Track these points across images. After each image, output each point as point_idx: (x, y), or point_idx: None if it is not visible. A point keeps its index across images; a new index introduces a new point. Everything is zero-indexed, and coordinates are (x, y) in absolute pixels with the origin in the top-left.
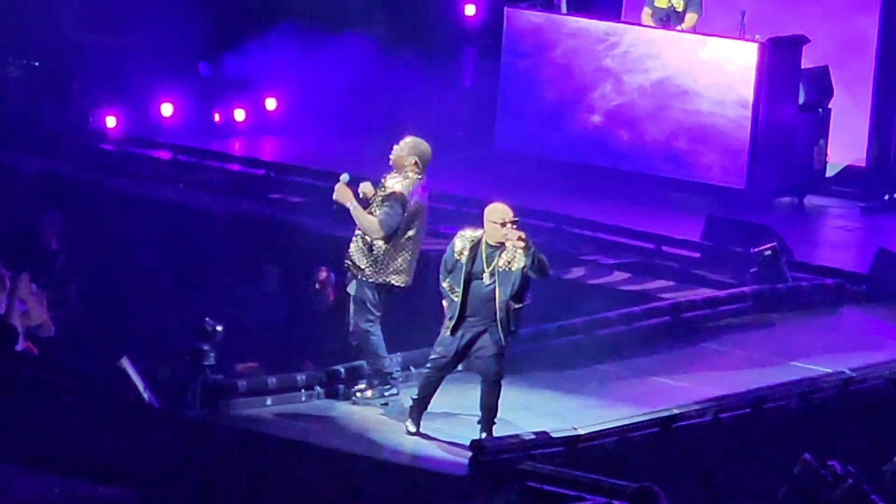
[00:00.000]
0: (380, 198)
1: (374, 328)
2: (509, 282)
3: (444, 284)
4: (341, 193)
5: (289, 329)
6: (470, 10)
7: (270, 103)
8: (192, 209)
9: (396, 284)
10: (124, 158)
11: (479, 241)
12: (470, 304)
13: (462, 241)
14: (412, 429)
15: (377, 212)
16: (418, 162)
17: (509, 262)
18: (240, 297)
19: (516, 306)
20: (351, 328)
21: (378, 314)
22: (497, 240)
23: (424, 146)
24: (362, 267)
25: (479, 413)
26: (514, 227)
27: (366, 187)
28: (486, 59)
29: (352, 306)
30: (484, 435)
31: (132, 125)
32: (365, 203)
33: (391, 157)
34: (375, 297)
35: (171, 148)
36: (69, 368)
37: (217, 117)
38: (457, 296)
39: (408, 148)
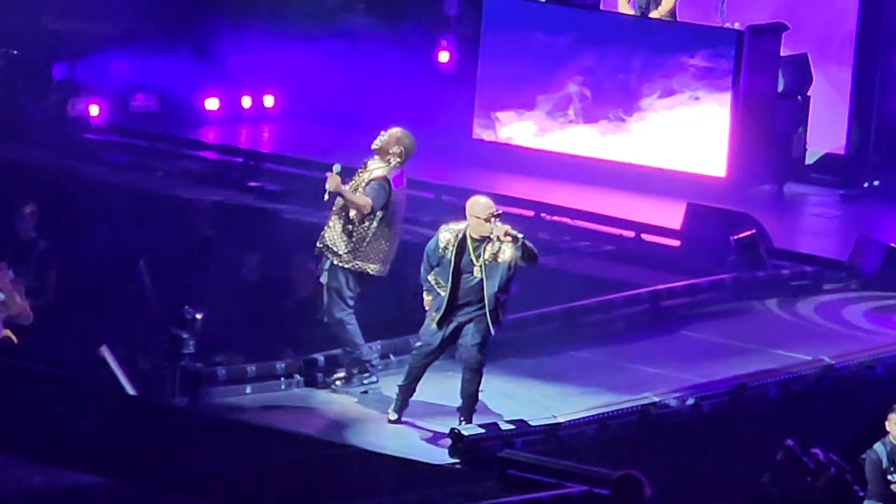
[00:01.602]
0: (364, 181)
1: (348, 317)
2: (497, 274)
3: (430, 278)
4: (332, 183)
5: (268, 317)
6: None
7: (248, 95)
8: (171, 197)
9: (371, 273)
10: (103, 147)
11: (464, 234)
12: (458, 297)
13: (446, 234)
14: (393, 416)
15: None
16: (402, 152)
17: (495, 254)
18: (219, 285)
19: (504, 296)
20: (325, 318)
21: (352, 302)
22: (481, 233)
23: (410, 139)
24: (340, 252)
25: (460, 401)
26: (499, 220)
27: (331, 183)
28: (465, 46)
29: (325, 296)
30: (464, 423)
31: (111, 114)
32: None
33: (375, 143)
34: (350, 283)
35: (150, 136)
36: (48, 357)
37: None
38: (444, 290)
39: (394, 138)
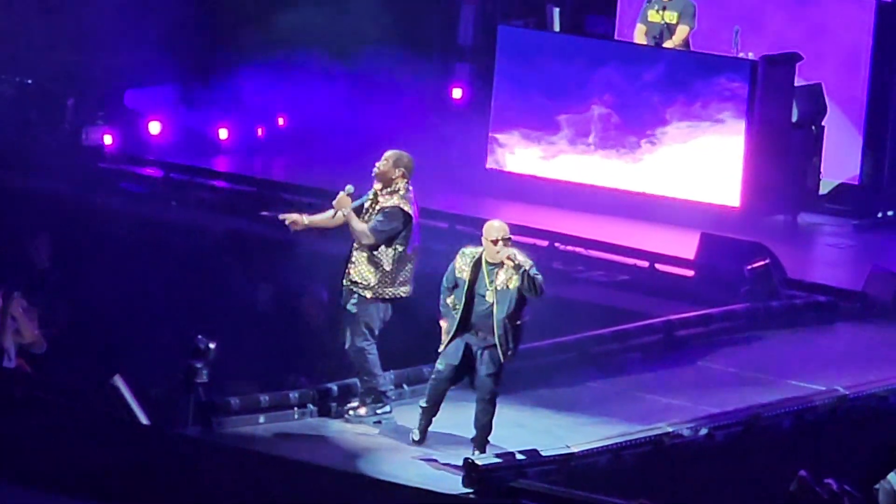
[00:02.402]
0: (376, 211)
1: (370, 346)
2: (506, 299)
3: (448, 301)
4: (341, 201)
5: (282, 346)
6: (463, 28)
7: (263, 123)
8: (185, 226)
9: (404, 296)
10: (116, 176)
11: (480, 258)
12: (470, 321)
13: (462, 258)
14: (417, 437)
15: (371, 221)
16: (405, 173)
17: (507, 280)
18: (232, 314)
19: (517, 323)
20: (346, 346)
21: (376, 332)
22: (493, 258)
23: (407, 157)
24: (371, 284)
25: (473, 431)
26: (507, 244)
27: (340, 202)
28: (479, 76)
29: (348, 325)
30: (477, 453)
31: (125, 143)
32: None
33: (375, 171)
34: (381, 313)
35: (164, 166)
36: (61, 386)
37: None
38: (457, 311)
39: (392, 161)
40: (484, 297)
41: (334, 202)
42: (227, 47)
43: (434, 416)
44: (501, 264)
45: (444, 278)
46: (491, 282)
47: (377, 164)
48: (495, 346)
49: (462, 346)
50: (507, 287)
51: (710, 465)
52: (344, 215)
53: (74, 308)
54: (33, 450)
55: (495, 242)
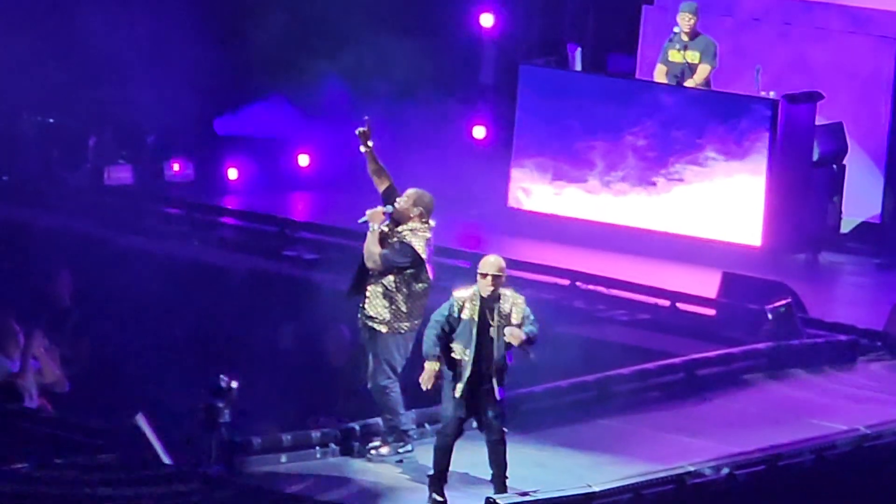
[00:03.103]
0: (394, 241)
1: (392, 384)
2: (502, 335)
3: (454, 346)
4: (375, 216)
5: (304, 386)
6: (485, 66)
7: (284, 159)
8: (207, 265)
9: (416, 329)
10: (138, 216)
11: (475, 294)
12: (481, 361)
13: (460, 297)
14: (439, 499)
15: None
16: (422, 212)
17: (507, 316)
18: (254, 353)
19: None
20: (369, 385)
21: (400, 370)
22: (484, 292)
23: (428, 197)
24: (386, 319)
25: (490, 471)
26: (498, 281)
27: (374, 215)
28: (501, 115)
29: (370, 363)
30: (497, 492)
31: (147, 182)
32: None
33: (395, 208)
34: (401, 349)
35: (186, 205)
36: (83, 426)
37: (231, 174)
38: (466, 355)
39: (412, 200)
40: (488, 333)
41: (368, 213)
42: (248, 85)
43: (447, 480)
44: (498, 297)
45: (437, 321)
46: (492, 318)
47: (397, 200)
48: (493, 383)
49: (465, 397)
50: (509, 322)
51: None
52: (371, 229)
53: (96, 347)
54: (56, 490)
55: (484, 276)
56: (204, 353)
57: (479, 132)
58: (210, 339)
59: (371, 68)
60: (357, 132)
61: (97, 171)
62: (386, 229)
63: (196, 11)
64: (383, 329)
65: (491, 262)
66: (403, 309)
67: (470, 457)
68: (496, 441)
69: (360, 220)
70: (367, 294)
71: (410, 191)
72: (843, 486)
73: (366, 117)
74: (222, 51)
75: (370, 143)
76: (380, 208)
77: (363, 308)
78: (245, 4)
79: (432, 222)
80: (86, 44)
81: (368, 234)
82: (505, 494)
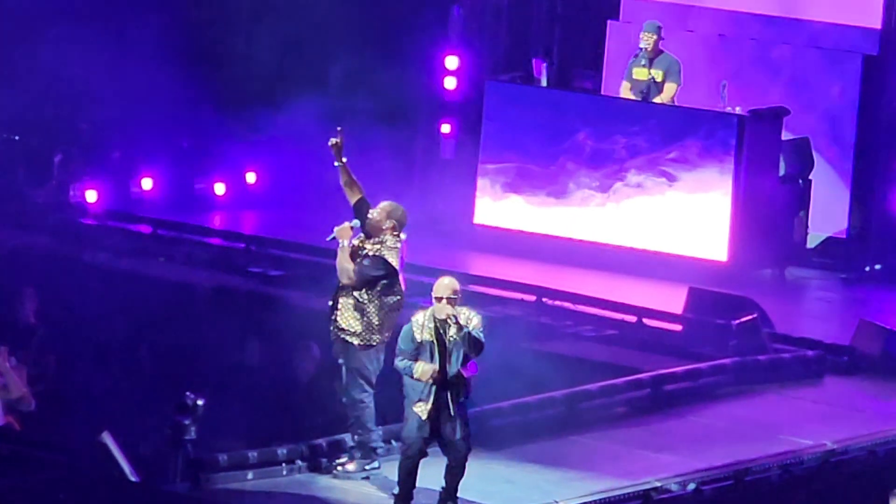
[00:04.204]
0: (362, 256)
1: (368, 398)
2: (460, 352)
3: (419, 368)
4: (343, 231)
5: (270, 402)
6: (450, 82)
7: (251, 177)
8: (173, 282)
9: (387, 342)
10: (104, 233)
11: (426, 314)
12: (445, 381)
13: (418, 321)
14: None
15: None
16: (395, 225)
17: (456, 334)
18: (221, 370)
19: (462, 374)
20: (343, 399)
21: (374, 381)
22: (439, 314)
23: (400, 210)
24: (358, 331)
25: (444, 487)
26: (452, 303)
27: (342, 231)
28: (467, 131)
29: (345, 377)
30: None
31: (112, 199)
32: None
33: (368, 220)
34: (373, 361)
35: (152, 222)
36: (50, 443)
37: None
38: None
39: (385, 212)
40: (447, 354)
41: (336, 229)
42: (212, 100)
43: (412, 499)
44: (454, 317)
45: (399, 346)
46: (448, 337)
47: (371, 212)
48: (453, 403)
49: (430, 418)
50: (456, 339)
51: None
52: (340, 246)
53: (61, 365)
54: None
55: (439, 300)
56: (170, 370)
57: (445, 148)
58: (176, 356)
59: (334, 84)
60: (330, 143)
61: (63, 188)
62: (358, 242)
63: (162, 31)
64: (355, 341)
65: (445, 285)
66: (375, 321)
67: (438, 473)
68: (462, 460)
69: (328, 238)
70: (339, 306)
71: (384, 203)
72: (810, 502)
73: (339, 128)
74: (189, 69)
75: (344, 160)
76: (347, 224)
77: (335, 321)
78: (210, 26)
79: (403, 235)
80: (52, 61)
81: (339, 250)
82: None
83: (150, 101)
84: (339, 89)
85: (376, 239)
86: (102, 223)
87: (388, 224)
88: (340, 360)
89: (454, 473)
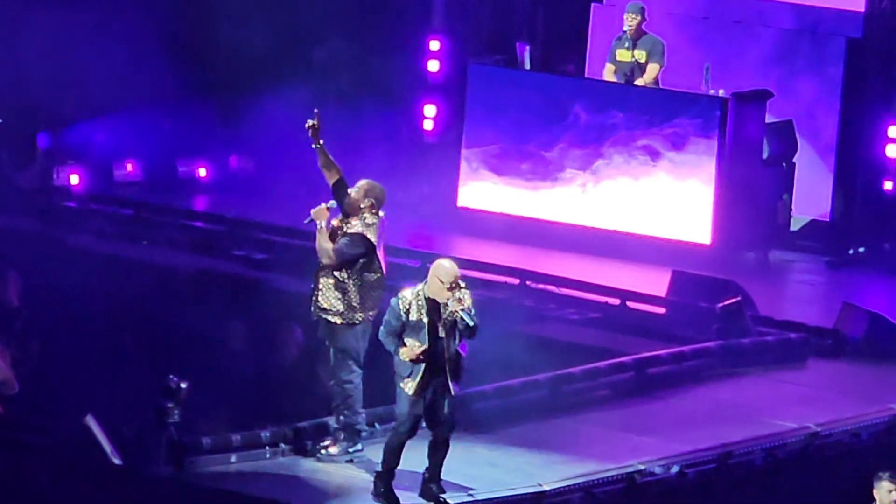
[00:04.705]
0: (341, 235)
1: (356, 378)
2: (455, 332)
3: (407, 344)
4: (319, 213)
5: (254, 385)
6: (433, 65)
7: (234, 160)
8: (155, 266)
9: (372, 319)
10: (88, 216)
11: (420, 294)
12: (434, 360)
13: (406, 298)
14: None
15: (336, 243)
16: (373, 204)
17: (452, 313)
18: (204, 353)
19: (459, 352)
20: (331, 381)
21: (361, 361)
22: (440, 297)
23: (379, 188)
24: (340, 310)
25: (429, 466)
26: (458, 289)
27: (319, 213)
28: (450, 114)
29: (331, 359)
30: (433, 487)
31: (96, 182)
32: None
33: (347, 198)
34: (358, 340)
35: (135, 205)
36: (33, 427)
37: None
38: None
39: (363, 191)
40: (439, 334)
41: (313, 212)
42: (195, 81)
43: (393, 478)
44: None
45: (387, 321)
46: (441, 317)
47: (349, 190)
48: (447, 380)
49: (422, 396)
50: (454, 319)
51: (682, 502)
52: (318, 227)
53: (45, 348)
54: (5, 491)
55: (451, 289)
56: (153, 354)
57: (428, 132)
58: (159, 339)
59: (317, 67)
60: (307, 125)
61: (46, 172)
62: (337, 223)
63: (147, 14)
64: (337, 321)
65: (453, 272)
66: (356, 300)
67: (421, 455)
68: (445, 439)
69: (306, 221)
70: (320, 286)
71: (362, 182)
72: (794, 484)
73: (315, 110)
74: (173, 52)
75: (321, 142)
76: (323, 205)
77: (316, 300)
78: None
79: (381, 213)
80: (33, 42)
81: (317, 232)
82: (456, 494)
83: (134, 84)
84: (323, 72)
85: (355, 218)
86: (86, 206)
87: (366, 202)
88: (326, 343)
89: (441, 450)
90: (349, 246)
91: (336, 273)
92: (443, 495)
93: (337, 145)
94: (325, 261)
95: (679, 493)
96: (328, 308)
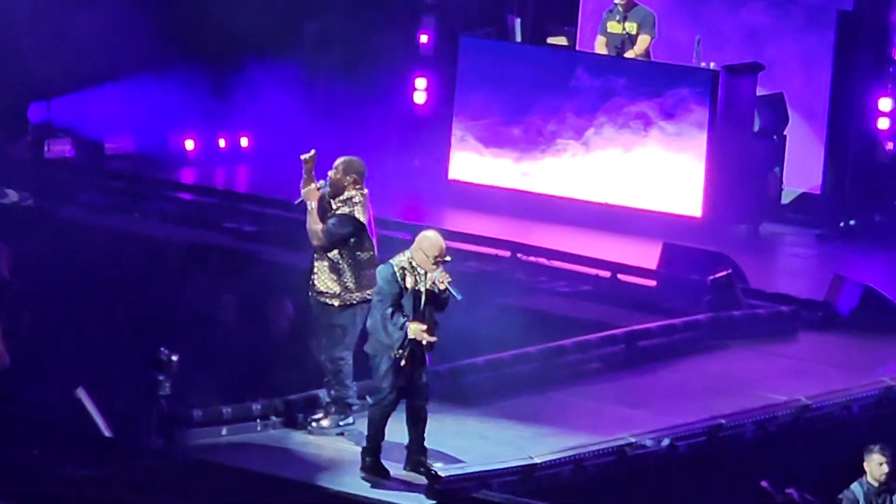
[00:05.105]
0: (329, 216)
1: (347, 356)
2: (438, 302)
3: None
4: (310, 193)
5: (244, 358)
6: (424, 38)
7: (225, 133)
8: (147, 238)
9: (370, 298)
10: (79, 188)
11: (413, 263)
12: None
13: (398, 265)
14: (374, 474)
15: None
16: (356, 179)
17: (435, 284)
18: (195, 326)
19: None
20: (322, 356)
21: (354, 341)
22: (425, 268)
23: (357, 162)
24: (336, 292)
25: (412, 439)
26: (442, 262)
27: (310, 193)
28: (442, 87)
29: (323, 336)
30: (418, 456)
31: (87, 155)
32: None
33: (328, 181)
34: (356, 318)
35: (126, 178)
36: (25, 399)
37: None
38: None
39: (342, 168)
40: (423, 302)
41: (304, 191)
42: (187, 56)
43: (381, 451)
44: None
45: (383, 292)
46: (425, 287)
47: (329, 173)
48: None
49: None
50: (436, 289)
51: (673, 475)
52: (308, 209)
53: (36, 321)
54: None
55: (435, 262)
56: (144, 326)
57: (419, 105)
58: (150, 312)
59: (309, 39)
60: (302, 158)
61: (38, 144)
62: (326, 205)
63: None
64: (335, 303)
65: (439, 245)
66: (352, 280)
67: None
68: (422, 406)
69: (296, 202)
70: (315, 270)
71: (339, 160)
72: (784, 457)
73: (313, 150)
74: (163, 25)
75: (316, 184)
76: (313, 185)
77: (313, 284)
78: None
79: (365, 190)
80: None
81: (308, 214)
82: (447, 466)
83: (126, 57)
84: (314, 46)
85: (340, 197)
86: (77, 179)
87: (348, 179)
88: (320, 320)
89: (422, 419)
90: (337, 226)
91: (330, 255)
92: (434, 466)
93: (329, 118)
94: (315, 242)
95: (670, 466)
96: (325, 291)
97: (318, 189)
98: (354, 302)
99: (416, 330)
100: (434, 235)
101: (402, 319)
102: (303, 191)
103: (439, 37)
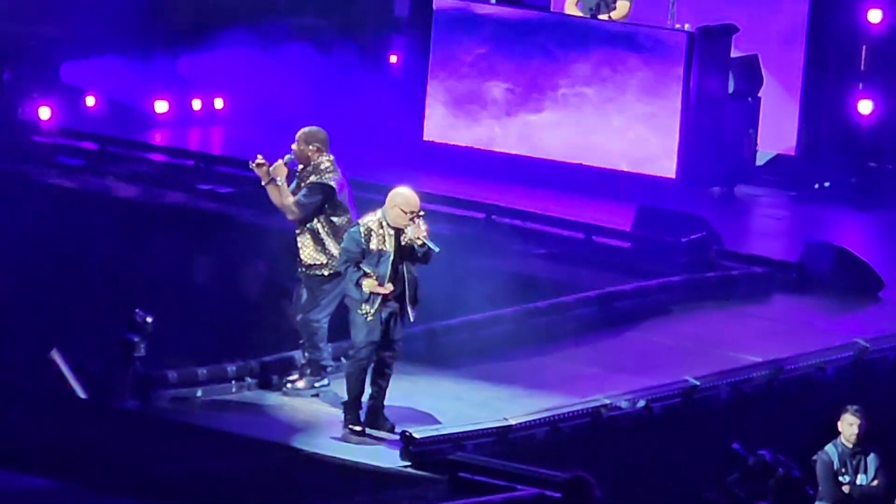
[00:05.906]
0: (304, 186)
1: (324, 319)
2: (417, 257)
3: (370, 277)
4: (278, 169)
5: (219, 320)
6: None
7: (199, 96)
8: (121, 200)
9: None
10: (53, 150)
11: (382, 223)
12: (394, 286)
13: (366, 229)
14: (358, 428)
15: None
16: (319, 147)
17: (412, 240)
18: (169, 287)
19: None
20: (299, 317)
21: (332, 307)
22: (399, 224)
23: (317, 130)
24: (324, 261)
25: (373, 392)
26: (418, 218)
27: (277, 168)
28: (416, 48)
29: (304, 297)
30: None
31: (62, 117)
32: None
33: (293, 155)
34: (337, 286)
35: (100, 139)
36: None
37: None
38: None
39: (303, 139)
40: (399, 260)
41: (271, 168)
42: (162, 18)
43: (360, 405)
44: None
45: (348, 250)
46: (399, 244)
47: (292, 147)
48: (406, 306)
49: (379, 321)
50: (412, 245)
51: (648, 436)
52: (277, 184)
53: (11, 283)
54: None
55: (411, 218)
56: (119, 288)
57: (393, 63)
58: (125, 274)
59: (284, 3)
60: (251, 167)
61: (11, 106)
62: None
63: None
64: (325, 272)
65: (414, 201)
66: (335, 247)
67: (389, 391)
68: (389, 361)
69: (264, 183)
70: (299, 245)
71: (299, 132)
72: (759, 419)
73: (259, 156)
74: None
75: (283, 159)
76: (280, 161)
77: (300, 260)
78: None
79: (331, 156)
80: None
81: (278, 189)
82: (421, 428)
83: (101, 17)
84: (289, 8)
85: (310, 166)
86: (51, 141)
87: (311, 149)
88: (303, 283)
89: (385, 375)
90: (308, 196)
91: (308, 226)
92: (409, 428)
93: (304, 83)
94: (290, 216)
95: (645, 428)
96: (313, 264)
97: (285, 163)
98: (341, 269)
99: (369, 284)
100: (407, 191)
101: (355, 275)
102: (270, 168)
103: None
